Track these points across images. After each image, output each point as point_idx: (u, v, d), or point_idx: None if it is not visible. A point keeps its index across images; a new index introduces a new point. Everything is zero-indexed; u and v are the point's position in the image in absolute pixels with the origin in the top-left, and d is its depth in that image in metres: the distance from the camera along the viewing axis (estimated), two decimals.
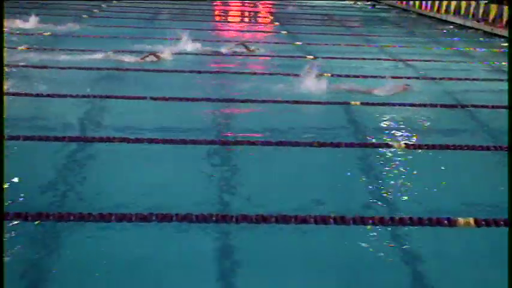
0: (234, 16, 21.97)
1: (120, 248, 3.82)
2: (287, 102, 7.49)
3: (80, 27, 14.39)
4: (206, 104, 7.47)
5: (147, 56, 10.01)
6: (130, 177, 5.02)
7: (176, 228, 3.99)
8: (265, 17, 21.28)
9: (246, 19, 21.39)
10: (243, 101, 7.62)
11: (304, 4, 25.41)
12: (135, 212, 4.07)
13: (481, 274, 3.77)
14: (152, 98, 7.34)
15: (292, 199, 4.64)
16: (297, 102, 7.50)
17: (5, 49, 9.16)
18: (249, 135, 6.15)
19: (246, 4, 25.88)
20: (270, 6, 25.16)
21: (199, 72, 9.34)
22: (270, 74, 9.58)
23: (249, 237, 4.00)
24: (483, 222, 4.14)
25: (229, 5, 25.22)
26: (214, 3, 24.74)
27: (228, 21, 19.95)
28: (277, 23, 18.27)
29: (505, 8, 17.59)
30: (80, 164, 5.29)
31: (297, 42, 13.35)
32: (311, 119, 7.03)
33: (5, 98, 5.95)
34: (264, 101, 7.53)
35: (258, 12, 23.03)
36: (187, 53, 10.62)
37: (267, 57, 11.22)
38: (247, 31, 16.48)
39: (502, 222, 4.13)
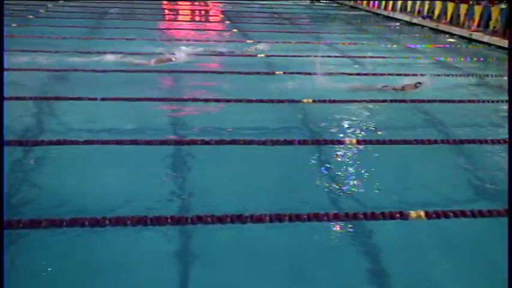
0: (184, 15, 21.80)
1: (73, 254, 3.73)
2: (240, 100, 7.48)
3: (26, 28, 13.97)
4: (158, 103, 7.38)
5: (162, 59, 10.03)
6: (82, 181, 4.90)
7: (131, 232, 3.92)
8: (215, 16, 21.22)
9: (197, 18, 21.27)
10: (195, 100, 7.57)
11: (254, 3, 25.48)
12: (89, 216, 3.98)
13: (433, 265, 3.88)
14: (103, 99, 7.20)
15: (247, 198, 4.64)
16: (249, 101, 7.51)
17: None
18: (203, 134, 6.11)
19: (196, 3, 25.73)
20: (220, 4, 25.11)
21: (151, 71, 9.23)
22: (222, 72, 9.56)
23: (205, 239, 3.98)
24: (434, 215, 4.26)
25: (179, 4, 25.02)
26: (164, 3, 24.50)
27: (179, 20, 19.78)
28: (228, 22, 18.25)
29: (449, 5, 18.14)
30: (28, 168, 5.13)
31: (248, 40, 13.36)
32: (264, 117, 7.04)
33: None
34: (217, 100, 7.51)
35: (208, 11, 22.94)
36: (138, 53, 10.45)
37: (218, 56, 11.17)
38: (198, 30, 16.38)
39: (451, 214, 4.26)
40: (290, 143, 5.87)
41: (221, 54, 11.29)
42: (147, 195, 4.64)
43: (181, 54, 10.46)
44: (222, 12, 21.65)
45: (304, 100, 7.69)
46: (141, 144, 5.65)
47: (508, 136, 6.27)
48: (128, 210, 4.17)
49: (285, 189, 4.94)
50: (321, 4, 28.19)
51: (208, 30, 16.60)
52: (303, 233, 4.13)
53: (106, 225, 3.89)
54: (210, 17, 21.18)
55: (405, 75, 9.68)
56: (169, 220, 4.03)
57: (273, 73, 9.55)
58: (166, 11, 22.28)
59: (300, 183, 5.11)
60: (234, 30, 15.78)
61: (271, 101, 7.64)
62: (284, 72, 9.51)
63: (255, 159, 5.59)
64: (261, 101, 7.54)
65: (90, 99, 7.18)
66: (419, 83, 8.79)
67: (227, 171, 5.29)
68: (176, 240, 3.97)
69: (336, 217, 4.27)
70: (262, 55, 11.32)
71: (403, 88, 8.61)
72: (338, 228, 4.23)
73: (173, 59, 10.12)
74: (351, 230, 4.24)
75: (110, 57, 10.04)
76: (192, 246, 3.92)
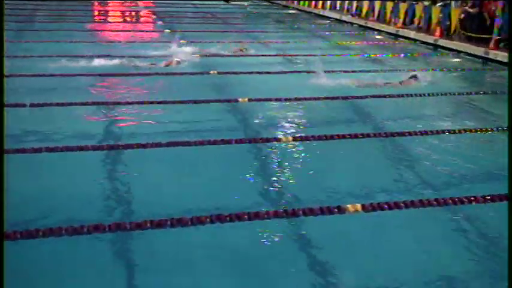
0: (116, 16, 21.36)
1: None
2: (173, 102, 7.41)
3: None
4: (92, 108, 7.19)
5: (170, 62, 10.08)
6: (14, 190, 4.70)
7: (67, 242, 3.80)
8: (147, 16, 20.92)
9: (128, 18, 20.89)
10: (128, 103, 7.43)
11: (187, 3, 25.31)
12: (22, 229, 3.81)
13: (373, 258, 3.98)
14: (32, 105, 6.94)
15: (186, 200, 4.61)
16: (182, 102, 7.44)
17: None
18: (138, 137, 6.01)
19: (127, 4, 25.27)
20: (152, 5, 24.78)
21: (82, 75, 8.97)
22: (154, 74, 9.42)
23: (146, 244, 3.92)
24: (370, 208, 4.37)
25: (109, 5, 24.51)
26: (93, 4, 23.94)
27: (109, 22, 19.35)
28: (160, 22, 18.04)
29: (376, 3, 18.69)
30: None
31: (182, 41, 13.24)
32: (200, 117, 7.01)
33: None
34: (151, 102, 7.40)
35: (139, 11, 22.58)
36: (67, 56, 10.14)
37: (150, 57, 10.96)
38: (130, 31, 16.10)
39: (386, 206, 4.39)
40: (227, 142, 5.87)
41: (153, 56, 11.10)
42: (82, 203, 4.52)
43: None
44: (154, 13, 21.36)
45: (240, 99, 7.71)
46: (74, 151, 5.48)
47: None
48: (63, 220, 4.04)
49: (224, 189, 4.94)
50: (254, 3, 28.35)
51: (140, 31, 16.35)
52: (244, 232, 4.13)
53: (39, 237, 3.75)
54: (142, 18, 20.86)
55: (338, 71, 9.90)
56: (106, 228, 3.92)
57: (208, 73, 9.52)
58: (97, 12, 21.77)
59: (239, 182, 5.12)
60: (167, 30, 15.61)
61: (207, 101, 7.62)
62: (218, 72, 9.50)
63: (192, 161, 5.56)
64: (195, 101, 7.49)
65: (18, 105, 6.90)
66: (415, 76, 9.30)
67: (164, 174, 5.22)
68: (115, 248, 3.89)
69: (276, 214, 4.31)
70: (197, 55, 11.26)
71: (401, 83, 9.10)
72: (279, 226, 4.27)
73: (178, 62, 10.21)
74: (291, 226, 4.29)
75: (39, 61, 9.69)
76: (132, 254, 3.84)
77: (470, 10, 14.03)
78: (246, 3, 27.46)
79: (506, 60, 11.87)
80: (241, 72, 9.59)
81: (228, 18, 20.27)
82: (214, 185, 5.02)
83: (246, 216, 4.17)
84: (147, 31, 16.65)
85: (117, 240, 3.95)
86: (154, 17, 20.14)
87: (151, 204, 4.52)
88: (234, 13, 22.55)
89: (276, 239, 4.12)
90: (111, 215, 4.35)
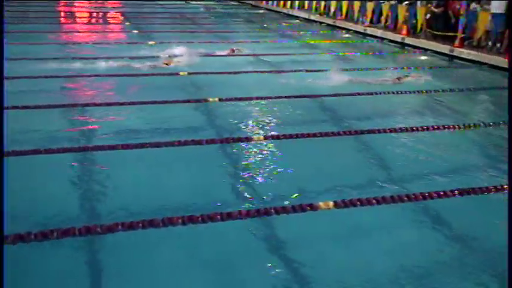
0: (82, 17, 21.04)
1: None
2: (144, 103, 7.34)
3: None
4: (60, 110, 7.06)
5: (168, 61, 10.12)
6: None
7: (35, 247, 3.72)
8: (115, 17, 20.68)
9: (94, 19, 20.61)
10: (98, 105, 7.33)
11: (155, 3, 25.12)
12: None
13: (345, 253, 4.01)
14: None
15: (157, 202, 4.56)
16: (154, 102, 7.38)
17: None
18: (108, 139, 5.93)
19: (93, 3, 24.93)
20: (120, 5, 24.52)
21: (50, 77, 8.79)
22: (123, 75, 9.31)
23: (117, 246, 3.87)
24: (342, 204, 4.41)
25: (75, 6, 24.16)
26: (59, 4, 23.57)
27: (76, 23, 19.05)
28: (128, 23, 17.85)
29: (343, 3, 18.86)
30: None
31: (150, 42, 13.13)
32: (170, 118, 6.95)
33: None
34: (120, 104, 7.31)
35: (107, 12, 22.30)
36: (30, 58, 9.94)
37: (118, 58, 10.82)
38: (97, 32, 15.89)
39: (358, 202, 4.43)
40: (198, 143, 5.84)
41: (120, 56, 10.96)
42: (52, 206, 4.44)
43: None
44: (122, 13, 21.13)
45: (211, 99, 7.68)
46: (42, 154, 5.38)
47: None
48: (34, 224, 3.96)
49: (196, 190, 4.90)
50: (222, 3, 28.32)
51: (108, 31, 16.14)
52: (217, 233, 4.12)
53: (7, 243, 3.66)
54: (110, 18, 20.60)
55: (307, 70, 9.95)
56: (77, 232, 3.86)
57: (177, 74, 9.46)
58: (63, 13, 21.42)
59: (211, 183, 5.10)
60: (135, 31, 15.47)
61: (177, 101, 7.57)
62: (189, 73, 9.45)
63: (163, 162, 5.51)
64: (166, 102, 7.44)
65: None
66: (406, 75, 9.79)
67: (135, 175, 5.16)
68: (88, 252, 3.82)
69: (248, 214, 4.30)
70: (167, 56, 11.17)
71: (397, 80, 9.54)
72: (251, 225, 4.26)
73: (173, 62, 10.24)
74: (263, 225, 4.28)
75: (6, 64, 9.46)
76: (104, 258, 3.79)
77: (436, 9, 14.30)
78: (211, 3, 27.38)
79: (471, 57, 12.15)
80: (211, 72, 9.56)
81: (198, 18, 20.18)
82: (186, 186, 4.98)
83: (218, 217, 4.16)
84: (114, 32, 16.45)
85: (87, 244, 3.89)
86: (122, 17, 19.93)
87: (122, 206, 4.46)
88: (203, 13, 22.48)
89: (249, 238, 4.11)
90: (81, 219, 4.27)
